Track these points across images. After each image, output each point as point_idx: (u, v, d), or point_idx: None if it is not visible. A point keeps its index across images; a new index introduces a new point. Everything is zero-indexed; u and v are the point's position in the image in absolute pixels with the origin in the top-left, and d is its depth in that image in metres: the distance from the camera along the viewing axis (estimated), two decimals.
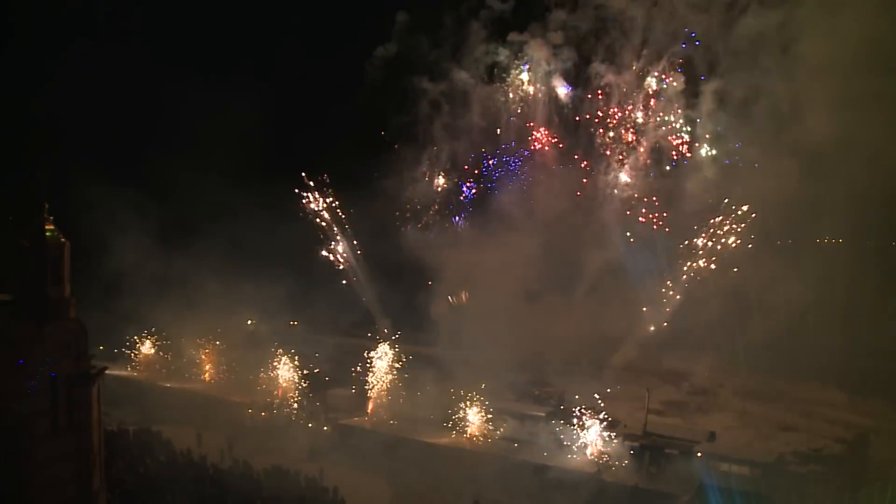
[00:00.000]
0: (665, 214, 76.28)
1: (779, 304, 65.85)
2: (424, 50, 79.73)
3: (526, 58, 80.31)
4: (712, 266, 72.50)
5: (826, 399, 66.97)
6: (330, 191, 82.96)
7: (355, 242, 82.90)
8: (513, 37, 79.17)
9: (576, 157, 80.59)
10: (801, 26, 61.18)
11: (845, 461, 53.67)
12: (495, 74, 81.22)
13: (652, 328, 74.22)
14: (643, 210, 77.10)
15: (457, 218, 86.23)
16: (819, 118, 57.84)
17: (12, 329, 31.98)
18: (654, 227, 76.68)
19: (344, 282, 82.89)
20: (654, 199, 77.30)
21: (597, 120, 79.10)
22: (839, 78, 58.56)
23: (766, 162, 67.86)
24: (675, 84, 74.43)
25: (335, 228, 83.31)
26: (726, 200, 71.57)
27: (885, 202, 61.98)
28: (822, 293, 63.14)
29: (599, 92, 78.54)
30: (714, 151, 73.79)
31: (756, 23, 64.53)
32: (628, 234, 76.33)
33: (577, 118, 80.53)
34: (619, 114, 78.16)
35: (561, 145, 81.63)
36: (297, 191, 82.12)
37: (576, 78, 79.65)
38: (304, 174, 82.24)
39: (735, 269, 70.51)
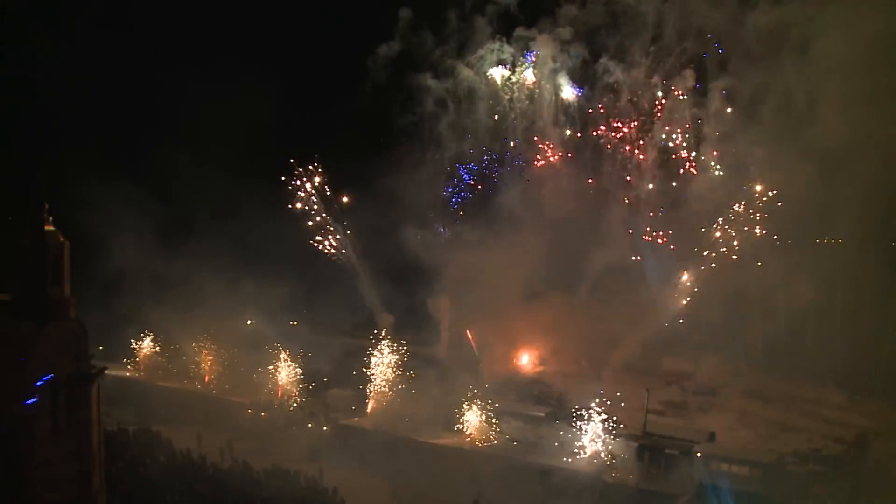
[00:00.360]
0: (671, 232, 76.11)
1: (780, 305, 65.89)
2: (428, 47, 79.66)
3: (528, 52, 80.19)
4: (725, 260, 72.20)
5: (826, 399, 67.05)
6: (319, 173, 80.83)
7: (348, 233, 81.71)
8: (520, 32, 78.99)
9: (578, 170, 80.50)
10: (808, 23, 61.21)
11: (845, 461, 53.68)
12: (487, 71, 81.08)
13: (666, 324, 73.89)
14: (647, 227, 76.98)
15: (449, 190, 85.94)
16: (828, 117, 57.77)
17: (12, 329, 31.91)
18: (660, 240, 76.46)
19: (343, 279, 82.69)
20: (660, 211, 77.26)
21: (600, 132, 79.03)
22: (849, 76, 58.47)
23: (772, 163, 67.67)
24: (684, 97, 74.16)
25: (327, 216, 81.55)
26: (749, 184, 71.29)
27: (886, 202, 61.99)
28: (822, 294, 63.16)
29: (602, 107, 78.42)
30: (720, 172, 73.43)
31: (766, 19, 64.49)
32: (633, 256, 76.16)
33: (580, 134, 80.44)
34: (625, 128, 77.97)
35: (570, 155, 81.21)
36: (283, 178, 79.74)
37: (582, 76, 79.67)
38: (291, 160, 79.55)
39: (759, 263, 69.95)
